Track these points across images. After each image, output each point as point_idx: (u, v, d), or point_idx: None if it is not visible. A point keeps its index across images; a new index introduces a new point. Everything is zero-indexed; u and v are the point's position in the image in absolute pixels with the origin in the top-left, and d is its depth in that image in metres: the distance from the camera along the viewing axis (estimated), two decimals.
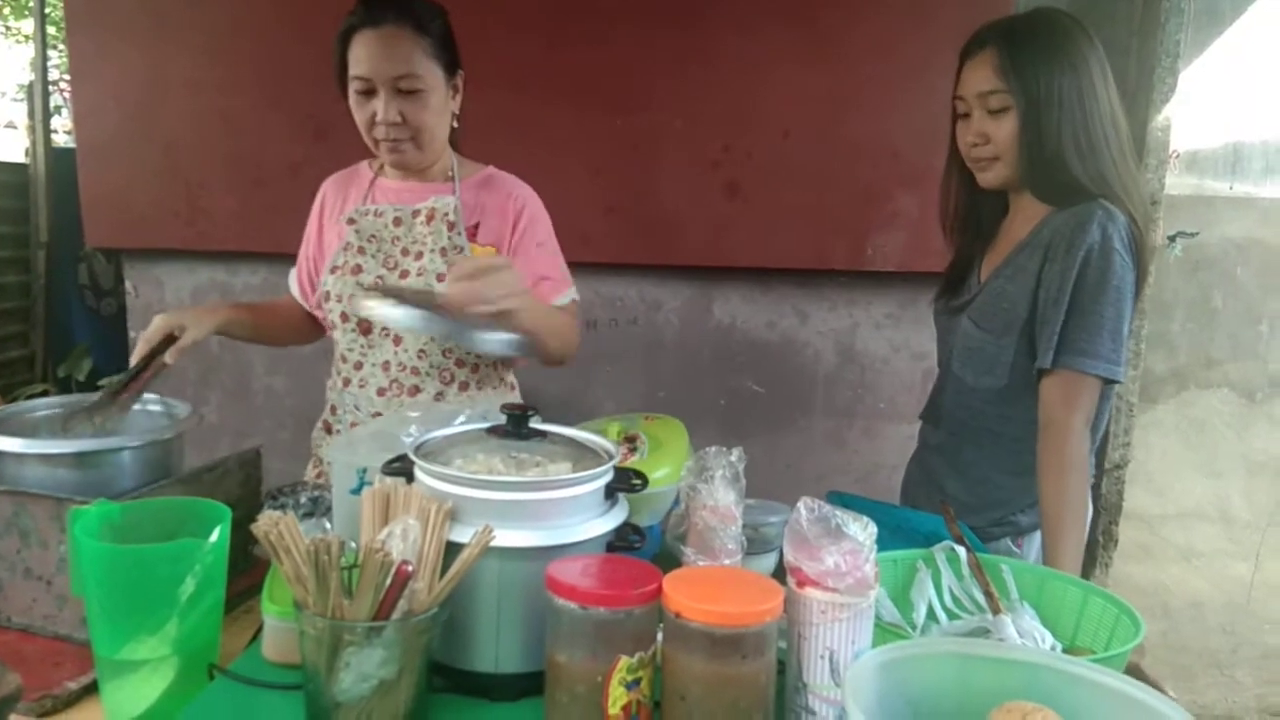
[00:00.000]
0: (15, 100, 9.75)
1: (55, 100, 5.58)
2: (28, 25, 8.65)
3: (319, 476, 1.78)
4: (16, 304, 4.46)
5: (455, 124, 1.71)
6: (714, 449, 1.17)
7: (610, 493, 1.11)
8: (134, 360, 1.48)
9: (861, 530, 0.94)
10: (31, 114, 4.14)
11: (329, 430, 1.79)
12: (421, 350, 1.68)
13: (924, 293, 2.98)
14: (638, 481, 1.13)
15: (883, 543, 0.96)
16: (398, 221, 1.69)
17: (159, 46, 2.96)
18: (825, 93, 2.79)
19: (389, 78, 1.57)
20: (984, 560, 1.21)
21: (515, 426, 1.16)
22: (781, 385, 3.05)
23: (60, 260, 4.34)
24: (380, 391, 1.69)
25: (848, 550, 0.92)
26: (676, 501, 1.23)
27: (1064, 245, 1.44)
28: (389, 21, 1.56)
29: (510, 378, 1.83)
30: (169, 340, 1.49)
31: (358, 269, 1.68)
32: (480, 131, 2.80)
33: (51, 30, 5.45)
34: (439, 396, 1.69)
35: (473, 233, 1.70)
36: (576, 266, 2.97)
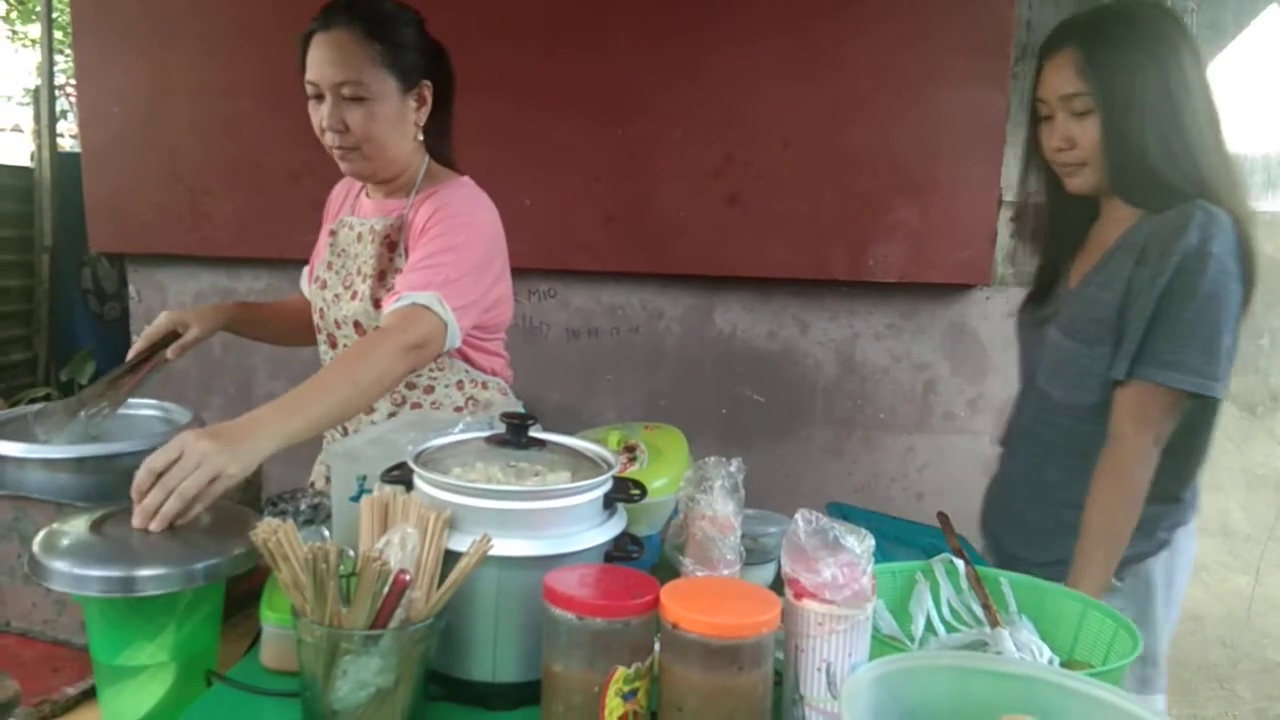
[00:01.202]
0: (21, 104, 9.80)
1: (61, 105, 5.60)
2: (34, 30, 8.68)
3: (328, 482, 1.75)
4: (20, 308, 4.47)
5: (420, 136, 1.61)
6: (713, 459, 1.17)
7: (609, 502, 1.11)
8: (132, 353, 1.46)
9: (859, 543, 0.94)
10: (37, 118, 4.15)
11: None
12: None
13: (924, 303, 3.01)
14: (636, 491, 1.13)
15: (882, 553, 0.96)
16: (359, 238, 1.64)
17: (164, 52, 2.98)
18: (825, 102, 2.80)
19: (332, 83, 1.49)
20: (982, 573, 1.21)
21: (514, 435, 1.16)
22: (782, 395, 3.05)
23: (64, 265, 4.36)
24: None
25: (845, 562, 0.92)
26: (675, 511, 1.23)
27: (1158, 250, 1.36)
28: (338, 26, 1.50)
29: (510, 395, 1.79)
30: (172, 336, 1.48)
31: (324, 284, 1.67)
32: (479, 141, 2.80)
33: (58, 35, 5.47)
34: (390, 418, 1.63)
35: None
36: (577, 275, 3.01)
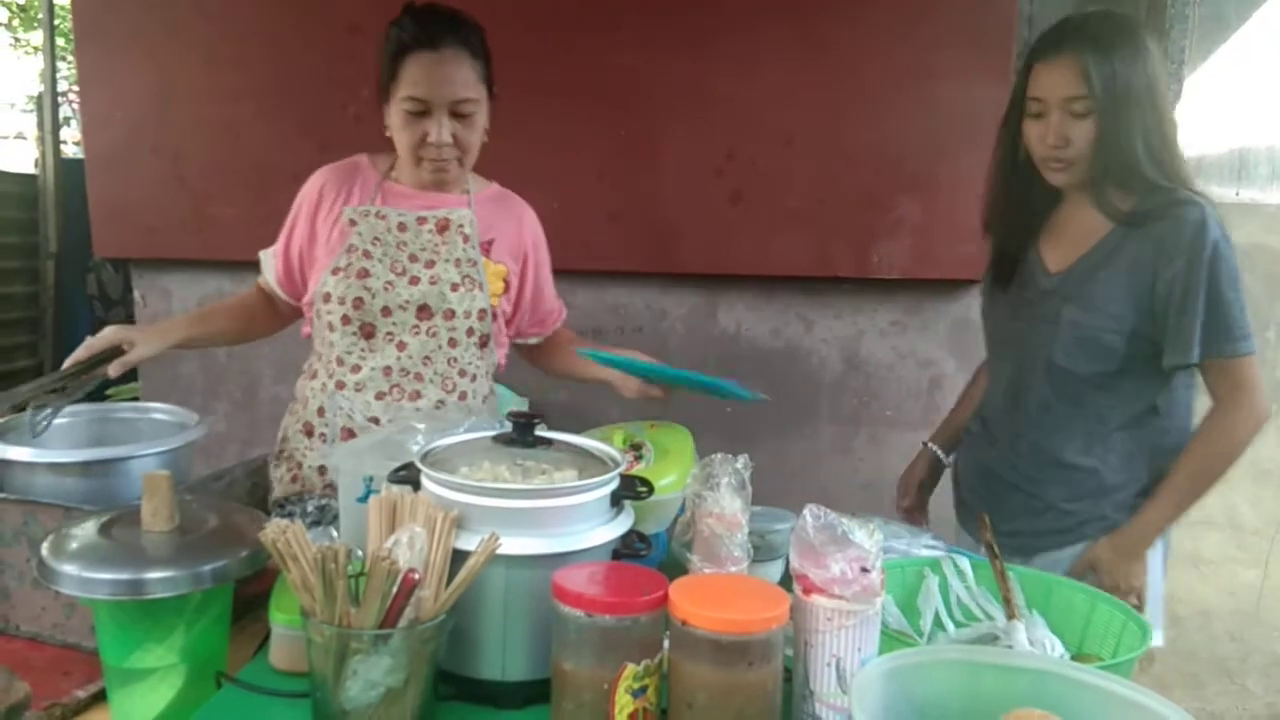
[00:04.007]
0: (25, 111, 9.82)
1: (65, 111, 5.61)
2: (37, 37, 8.70)
3: (294, 481, 1.74)
4: (25, 314, 4.48)
5: (485, 138, 1.71)
6: (720, 456, 1.17)
7: (616, 500, 1.11)
8: (70, 362, 1.44)
9: (868, 538, 0.94)
10: (41, 125, 4.17)
11: (310, 434, 1.75)
12: (427, 357, 1.67)
13: (929, 299, 3.00)
14: (643, 489, 1.14)
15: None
16: (402, 227, 1.68)
17: (167, 57, 2.98)
18: (828, 100, 2.79)
19: (448, 101, 1.58)
20: (988, 567, 1.21)
21: (521, 434, 1.16)
22: (787, 393, 3.04)
23: (69, 270, 4.37)
24: (379, 395, 1.67)
25: (854, 558, 0.92)
26: (682, 509, 1.23)
27: (1186, 242, 1.49)
28: (447, 45, 1.57)
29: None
30: (116, 351, 1.47)
31: (364, 273, 1.65)
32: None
33: (61, 42, 5.49)
34: (439, 405, 1.68)
35: (486, 248, 1.72)
36: (580, 274, 3.01)
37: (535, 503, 1.04)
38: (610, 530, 1.07)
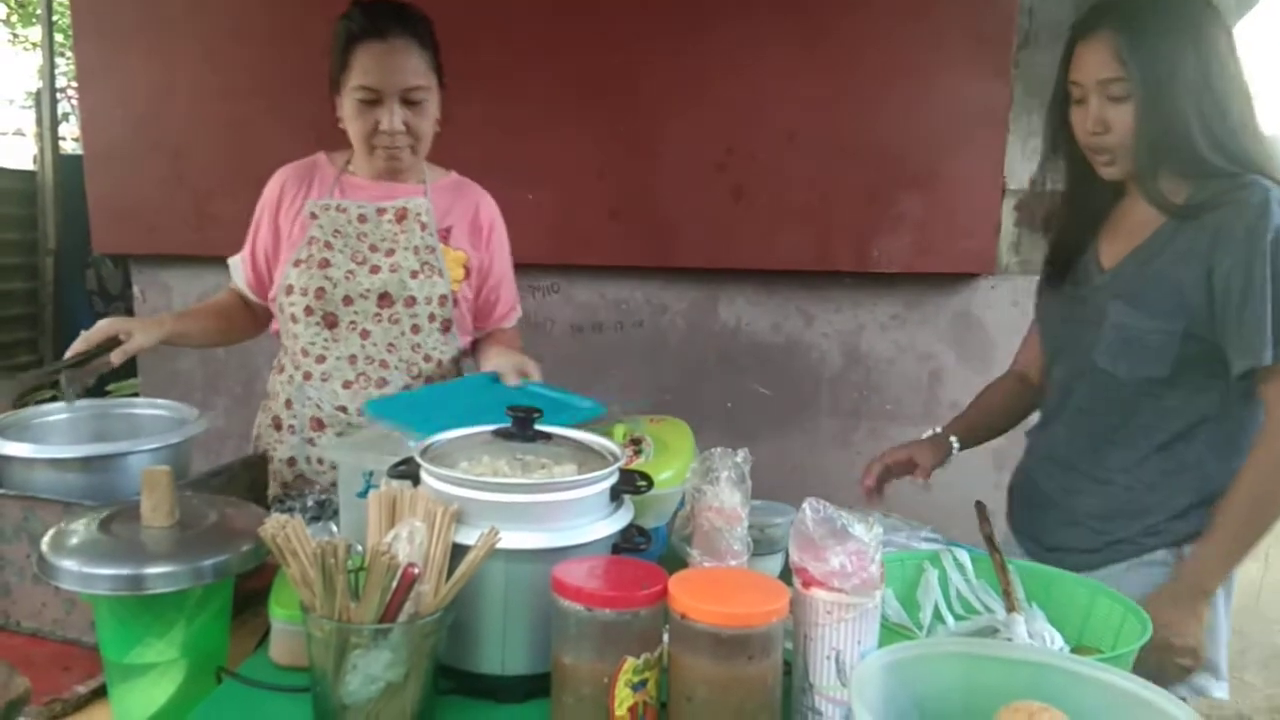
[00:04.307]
0: (24, 108, 9.81)
1: (63, 108, 5.61)
2: (35, 33, 8.69)
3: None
4: (25, 310, 4.48)
5: (438, 128, 1.74)
6: (719, 450, 1.17)
7: (616, 495, 1.11)
8: (71, 353, 1.46)
9: (867, 531, 0.94)
10: (39, 122, 4.16)
11: (279, 427, 1.77)
12: (391, 344, 1.71)
13: (929, 293, 3.00)
14: (643, 483, 1.14)
15: None
16: (362, 218, 1.71)
17: (165, 53, 2.98)
18: (829, 95, 2.79)
19: (398, 89, 1.61)
20: (987, 560, 1.21)
21: (520, 429, 1.16)
22: (787, 387, 3.05)
23: (68, 266, 4.37)
24: (346, 384, 1.71)
25: (853, 551, 0.92)
26: (682, 503, 1.23)
27: (1245, 229, 1.34)
28: (395, 35, 1.61)
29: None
30: (114, 342, 1.49)
31: (325, 263, 1.69)
32: (484, 135, 2.81)
33: (59, 38, 5.48)
34: (406, 389, 1.71)
35: (444, 235, 1.74)
36: (581, 269, 3.01)
37: (535, 497, 1.03)
38: (610, 524, 1.07)
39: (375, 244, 1.71)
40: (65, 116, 5.86)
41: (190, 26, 2.95)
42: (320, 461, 1.72)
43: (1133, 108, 1.38)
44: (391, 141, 1.65)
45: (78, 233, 3.66)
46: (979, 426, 1.74)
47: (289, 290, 1.71)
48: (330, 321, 1.70)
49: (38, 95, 4.13)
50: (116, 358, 1.49)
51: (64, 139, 4.97)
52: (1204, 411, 1.43)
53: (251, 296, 1.82)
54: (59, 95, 4.64)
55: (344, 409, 1.70)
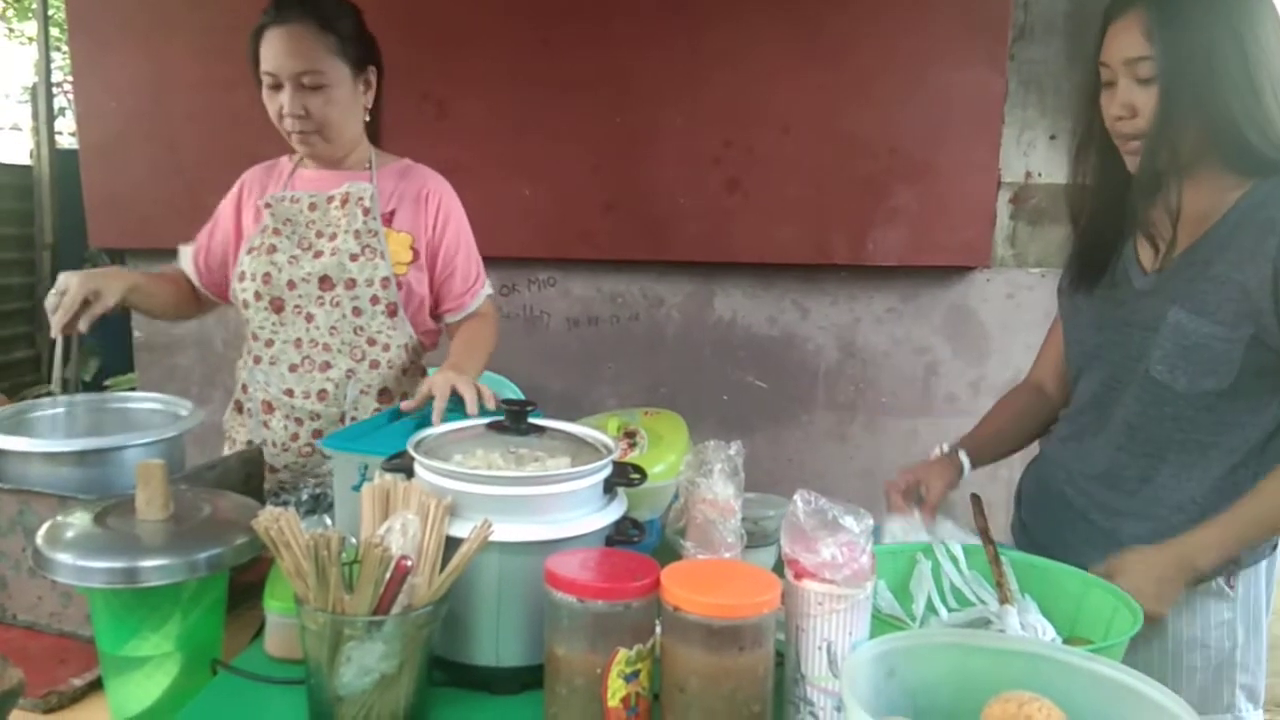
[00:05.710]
0: (20, 103, 9.79)
1: (59, 102, 5.59)
2: (30, 27, 8.67)
3: None
4: (22, 305, 4.48)
5: (367, 118, 1.76)
6: (713, 443, 1.17)
7: (609, 487, 1.12)
8: (57, 330, 1.50)
9: (858, 522, 0.94)
10: (35, 116, 4.16)
11: (240, 410, 1.82)
12: (333, 327, 1.72)
13: (925, 286, 3.00)
14: (636, 476, 1.14)
15: None
16: (313, 207, 1.74)
17: (160, 47, 2.97)
18: (825, 88, 2.79)
19: (293, 73, 1.63)
20: (979, 551, 1.22)
21: (514, 422, 1.17)
22: (783, 380, 3.05)
23: (65, 261, 4.36)
24: (292, 368, 1.74)
25: (845, 542, 0.93)
26: (676, 496, 1.24)
27: None
28: (294, 19, 1.63)
29: (421, 362, 1.86)
30: (84, 305, 1.52)
31: (272, 249, 1.73)
32: (480, 128, 2.80)
33: (54, 32, 5.46)
34: (350, 374, 1.73)
35: (388, 219, 1.75)
36: (577, 263, 3.01)
37: (528, 490, 1.04)
38: (603, 517, 1.07)
39: (321, 230, 1.74)
40: (61, 111, 5.84)
41: (185, 19, 2.95)
42: (274, 444, 1.75)
43: (1159, 90, 1.27)
44: (295, 126, 1.67)
45: (74, 227, 3.65)
46: (993, 443, 1.61)
47: (241, 277, 1.76)
48: (277, 306, 1.74)
49: (33, 90, 4.12)
50: (85, 325, 1.52)
51: (60, 134, 4.96)
52: (1266, 427, 1.33)
53: (194, 278, 1.86)
54: (55, 90, 4.63)
55: (290, 392, 1.73)
